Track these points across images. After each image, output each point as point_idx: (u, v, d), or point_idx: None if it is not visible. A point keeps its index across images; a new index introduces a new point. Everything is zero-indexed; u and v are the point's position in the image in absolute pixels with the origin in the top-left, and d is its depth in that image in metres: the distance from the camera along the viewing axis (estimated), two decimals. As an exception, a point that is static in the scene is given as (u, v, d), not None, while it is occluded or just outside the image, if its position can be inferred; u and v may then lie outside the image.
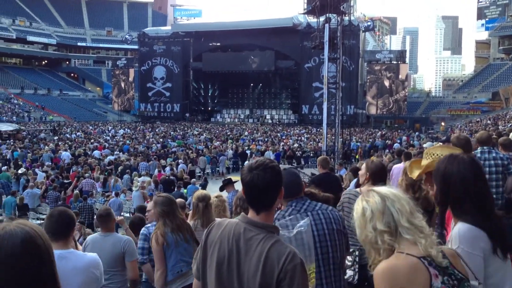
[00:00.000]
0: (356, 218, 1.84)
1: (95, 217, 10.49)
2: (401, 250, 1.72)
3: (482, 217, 2.06)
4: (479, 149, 4.56)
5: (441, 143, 8.53)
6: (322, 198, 2.85)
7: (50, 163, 19.97)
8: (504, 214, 2.65)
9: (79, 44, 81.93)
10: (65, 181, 15.35)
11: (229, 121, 59.20)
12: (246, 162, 19.39)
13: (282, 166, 2.75)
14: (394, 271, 1.69)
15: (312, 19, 38.79)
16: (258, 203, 1.98)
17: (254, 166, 1.98)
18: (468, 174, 2.13)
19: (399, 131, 44.80)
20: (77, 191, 13.45)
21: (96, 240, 4.23)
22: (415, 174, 2.94)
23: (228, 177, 8.90)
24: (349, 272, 3.16)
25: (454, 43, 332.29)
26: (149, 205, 4.92)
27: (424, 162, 2.89)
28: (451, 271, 1.71)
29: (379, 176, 3.60)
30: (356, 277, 3.25)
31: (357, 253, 3.25)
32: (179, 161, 20.34)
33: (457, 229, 2.06)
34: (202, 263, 2.06)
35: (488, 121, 35.46)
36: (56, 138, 34.38)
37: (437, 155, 2.80)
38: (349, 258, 3.03)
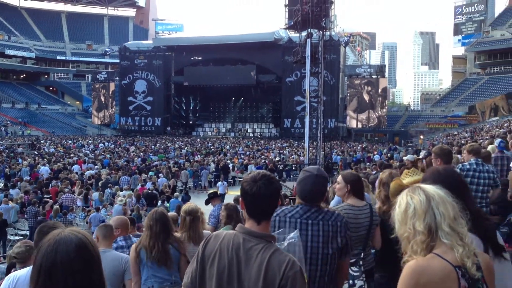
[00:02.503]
0: (398, 213, 1.82)
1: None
2: (437, 253, 1.70)
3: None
4: (473, 160, 4.62)
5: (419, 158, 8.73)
6: None
7: (29, 178, 19.62)
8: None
9: (58, 57, 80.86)
10: (45, 196, 15.06)
11: (210, 135, 59.05)
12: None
13: (313, 170, 2.75)
14: (424, 271, 1.66)
15: (293, 34, 39.34)
16: (261, 212, 2.06)
17: (258, 178, 2.06)
18: (439, 184, 2.16)
19: (378, 144, 45.31)
20: (57, 206, 13.21)
21: None
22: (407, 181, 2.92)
23: (212, 190, 8.88)
24: (359, 283, 3.15)
25: (431, 58, 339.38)
26: (114, 221, 4.80)
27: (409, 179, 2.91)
28: (480, 285, 1.67)
29: (359, 186, 3.62)
30: (366, 286, 3.23)
31: (361, 262, 3.22)
32: (160, 175, 20.24)
33: None
34: (199, 276, 2.08)
35: (466, 134, 36.10)
36: (35, 152, 33.78)
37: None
38: (354, 268, 3.00)
